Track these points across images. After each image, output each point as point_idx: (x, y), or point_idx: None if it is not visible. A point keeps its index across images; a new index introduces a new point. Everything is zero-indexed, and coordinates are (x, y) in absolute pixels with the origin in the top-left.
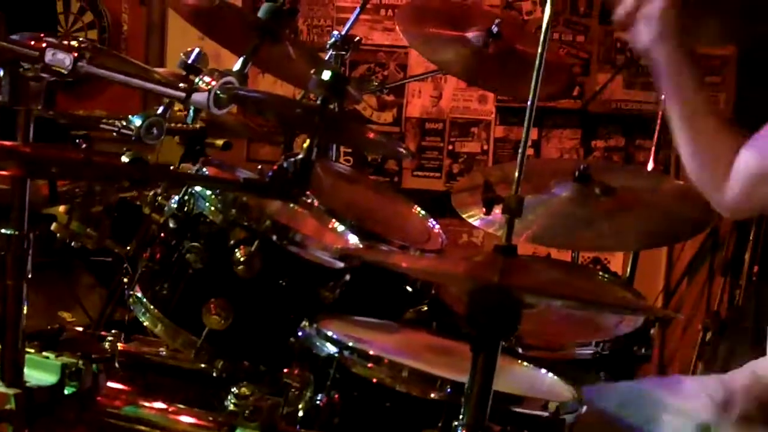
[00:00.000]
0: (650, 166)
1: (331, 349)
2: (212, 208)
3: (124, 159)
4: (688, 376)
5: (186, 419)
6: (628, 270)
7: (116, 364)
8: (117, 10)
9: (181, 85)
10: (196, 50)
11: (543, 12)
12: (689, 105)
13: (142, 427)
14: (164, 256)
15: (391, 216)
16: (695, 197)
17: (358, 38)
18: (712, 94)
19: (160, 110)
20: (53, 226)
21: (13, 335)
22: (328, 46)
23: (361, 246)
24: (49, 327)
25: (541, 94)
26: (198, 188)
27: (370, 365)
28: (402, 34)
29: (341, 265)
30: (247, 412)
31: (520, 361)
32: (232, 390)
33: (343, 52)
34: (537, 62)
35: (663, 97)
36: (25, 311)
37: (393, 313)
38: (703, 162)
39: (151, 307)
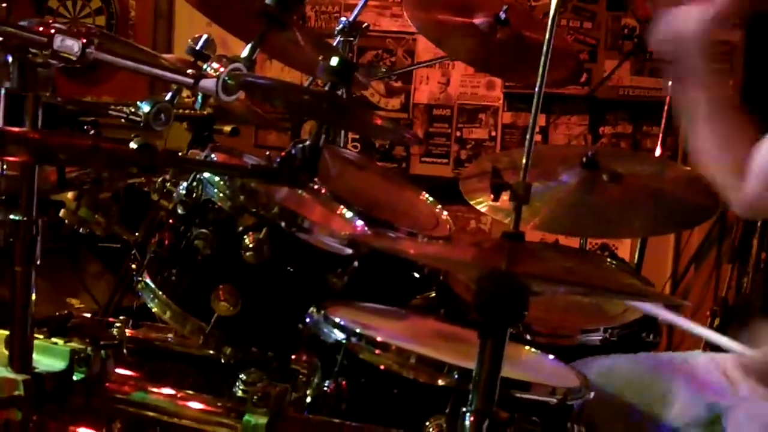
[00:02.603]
0: (658, 152)
1: (339, 335)
2: (221, 195)
3: (133, 145)
4: (703, 352)
5: (194, 405)
6: (636, 256)
7: (124, 351)
8: None
9: (190, 71)
10: (204, 36)
11: None
12: (716, 107)
13: (151, 413)
14: (173, 243)
15: (399, 202)
16: (703, 183)
17: (365, 24)
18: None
19: (168, 96)
20: (61, 213)
21: (21, 321)
22: (335, 32)
23: (368, 232)
24: (57, 313)
25: (549, 81)
26: (206, 174)
27: (377, 351)
28: (410, 20)
29: (349, 251)
30: (255, 398)
31: (527, 348)
32: (241, 376)
33: (351, 39)
34: (545, 48)
35: (686, 102)
36: (33, 297)
37: (401, 300)
38: (726, 163)
39: (160, 293)
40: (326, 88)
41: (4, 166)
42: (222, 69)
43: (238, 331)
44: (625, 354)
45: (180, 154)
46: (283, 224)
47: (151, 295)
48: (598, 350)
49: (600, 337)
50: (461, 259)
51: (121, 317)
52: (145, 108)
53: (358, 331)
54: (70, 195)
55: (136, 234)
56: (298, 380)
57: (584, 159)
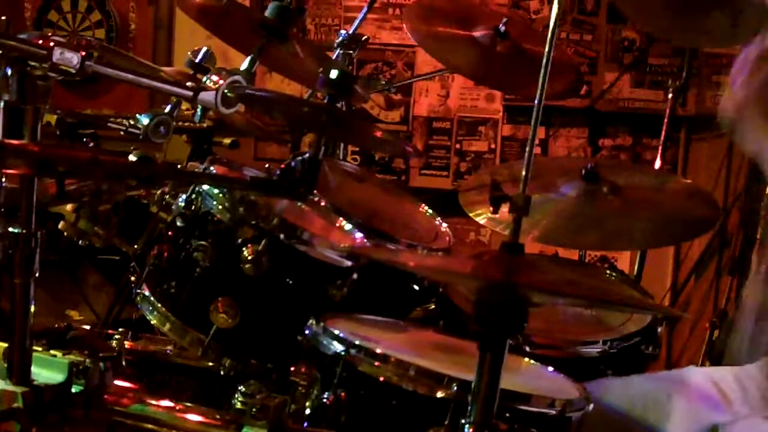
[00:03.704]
0: (657, 164)
1: (338, 347)
2: (220, 207)
3: (132, 157)
4: (700, 368)
5: (193, 417)
6: (636, 268)
7: (123, 363)
8: (125, 9)
9: (189, 84)
10: (204, 49)
11: (550, 11)
12: None
13: (150, 426)
14: (172, 255)
15: (399, 214)
16: (702, 196)
17: (365, 37)
18: (719, 93)
19: (167, 109)
20: (61, 225)
21: (20, 333)
22: (335, 44)
23: (368, 244)
24: (56, 325)
25: (549, 93)
26: (205, 187)
27: (376, 363)
28: (409, 33)
29: (349, 263)
30: (254, 410)
31: (527, 359)
32: (240, 388)
33: (351, 51)
34: (544, 61)
35: None
36: (32, 309)
37: (400, 312)
38: None
39: (159, 305)
40: (326, 101)
41: (3, 179)
42: (221, 82)
43: (237, 343)
44: (621, 377)
45: (179, 166)
46: (282, 236)
47: (150, 307)
48: (597, 362)
49: (599, 349)
50: (461, 271)
51: (121, 329)
52: (145, 120)
53: (357, 343)
54: (69, 207)
55: (136, 246)
56: (297, 392)
57: (584, 171)
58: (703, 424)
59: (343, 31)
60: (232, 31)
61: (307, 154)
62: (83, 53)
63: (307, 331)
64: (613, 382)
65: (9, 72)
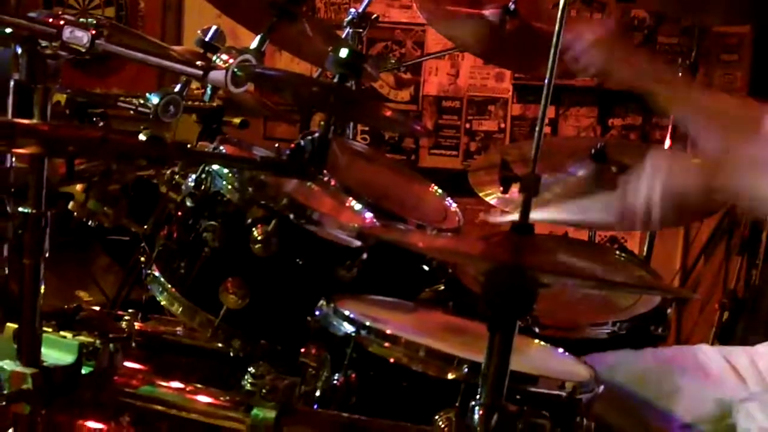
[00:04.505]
0: (667, 144)
1: (348, 328)
2: (229, 187)
3: (142, 137)
4: (711, 346)
5: (202, 399)
6: (645, 249)
7: (133, 344)
8: None
9: (199, 63)
10: (214, 28)
11: None
12: (686, 100)
13: (159, 407)
14: (181, 235)
15: (408, 194)
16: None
17: (375, 16)
18: (728, 72)
19: (177, 88)
20: (70, 205)
21: (30, 314)
22: (345, 23)
23: (377, 224)
24: (66, 306)
25: (558, 72)
26: (215, 167)
27: (386, 344)
28: (419, 11)
29: (358, 243)
30: (263, 391)
31: (536, 341)
32: (249, 369)
33: (360, 30)
34: (554, 40)
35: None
36: (42, 290)
37: (410, 293)
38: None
39: (168, 286)
40: (335, 80)
41: (13, 159)
42: (231, 60)
43: (246, 324)
44: (632, 350)
45: (189, 146)
46: (291, 216)
47: (160, 288)
48: (606, 343)
49: (609, 331)
50: (470, 252)
51: (130, 310)
52: (154, 100)
53: (367, 323)
54: (78, 187)
55: (145, 227)
56: (307, 373)
57: (593, 151)
58: (715, 402)
59: (352, 10)
60: (242, 10)
61: (317, 134)
62: (93, 32)
63: (317, 312)
64: (622, 356)
65: (19, 51)
